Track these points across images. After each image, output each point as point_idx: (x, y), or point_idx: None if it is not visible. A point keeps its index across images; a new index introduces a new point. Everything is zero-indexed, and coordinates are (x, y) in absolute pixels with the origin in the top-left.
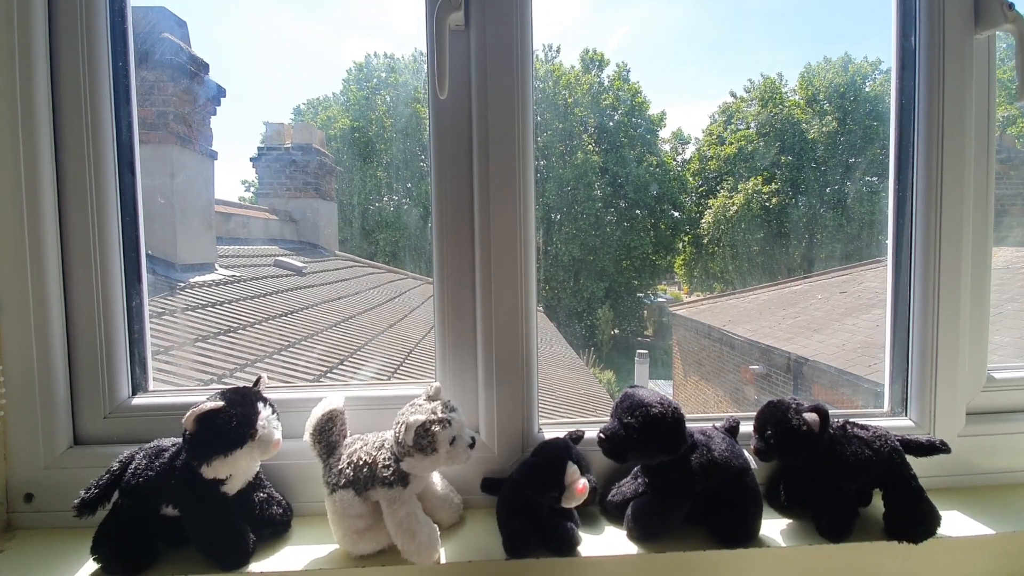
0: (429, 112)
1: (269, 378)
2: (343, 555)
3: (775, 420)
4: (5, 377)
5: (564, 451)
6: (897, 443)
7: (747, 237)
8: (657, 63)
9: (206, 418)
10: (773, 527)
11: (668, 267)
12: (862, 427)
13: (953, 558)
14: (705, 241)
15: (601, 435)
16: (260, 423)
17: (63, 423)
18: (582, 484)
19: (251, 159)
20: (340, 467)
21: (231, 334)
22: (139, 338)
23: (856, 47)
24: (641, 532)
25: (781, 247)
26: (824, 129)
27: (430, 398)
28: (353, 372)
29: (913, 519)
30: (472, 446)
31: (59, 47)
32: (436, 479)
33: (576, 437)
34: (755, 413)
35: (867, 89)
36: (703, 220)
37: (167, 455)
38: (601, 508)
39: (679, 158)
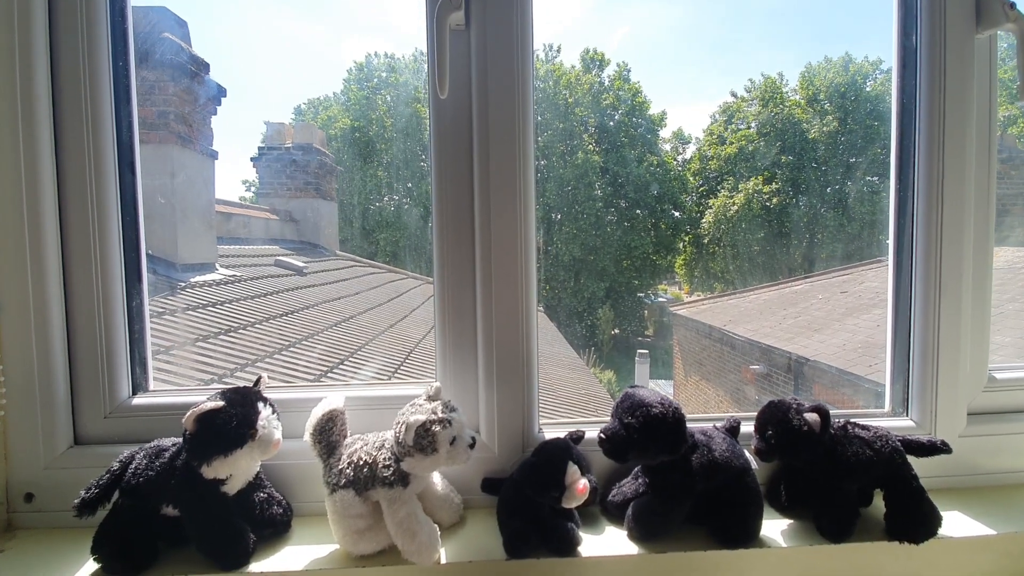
0: (429, 112)
1: (269, 378)
2: (343, 555)
3: (776, 420)
4: (5, 377)
5: (564, 451)
6: (898, 443)
7: (748, 237)
8: (657, 63)
9: (206, 418)
10: (774, 527)
11: (669, 267)
12: (863, 427)
13: (954, 559)
14: (706, 241)
15: (601, 435)
16: (260, 423)
17: (63, 423)
18: (582, 484)
19: (252, 159)
20: (340, 467)
21: (231, 334)
22: (139, 338)
23: (857, 47)
24: (642, 532)
25: (782, 247)
26: (825, 129)
27: (430, 398)
28: (353, 372)
29: (914, 519)
30: (472, 446)
31: (59, 47)
32: (436, 479)
33: (576, 437)
34: (756, 413)
35: (868, 89)
36: (704, 220)
37: (167, 455)
38: (601, 508)
39: (680, 158)
